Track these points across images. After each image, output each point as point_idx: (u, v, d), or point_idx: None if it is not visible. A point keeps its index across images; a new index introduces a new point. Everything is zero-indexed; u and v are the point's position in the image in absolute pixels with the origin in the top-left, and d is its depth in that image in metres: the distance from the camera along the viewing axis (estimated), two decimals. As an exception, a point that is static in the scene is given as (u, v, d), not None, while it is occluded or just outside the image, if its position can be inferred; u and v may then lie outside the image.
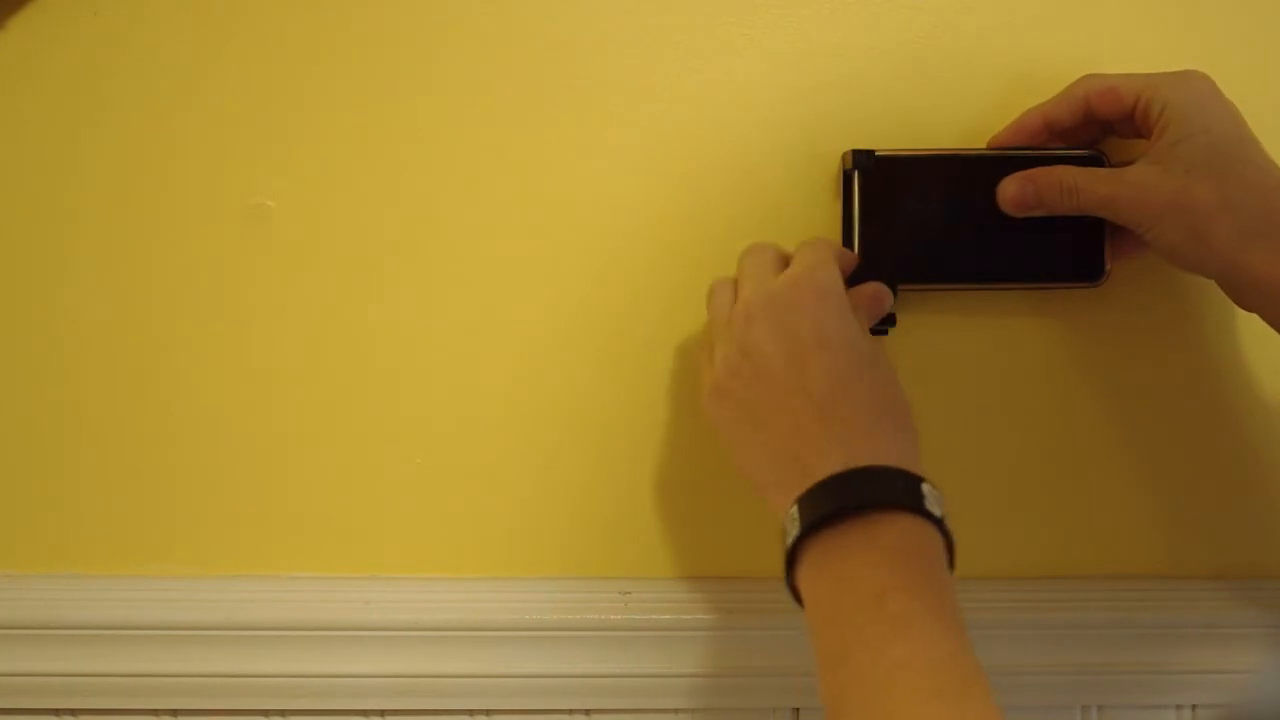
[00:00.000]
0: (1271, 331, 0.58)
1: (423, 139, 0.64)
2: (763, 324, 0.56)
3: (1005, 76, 0.64)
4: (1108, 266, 0.63)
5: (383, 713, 0.66)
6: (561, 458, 0.66)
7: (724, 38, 0.64)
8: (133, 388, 0.65)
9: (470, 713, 0.66)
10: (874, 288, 0.61)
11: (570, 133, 0.64)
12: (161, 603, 0.64)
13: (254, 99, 0.64)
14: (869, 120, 0.65)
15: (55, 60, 0.63)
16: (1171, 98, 0.58)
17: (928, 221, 0.63)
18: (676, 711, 0.66)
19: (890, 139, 0.64)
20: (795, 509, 0.51)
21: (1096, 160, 0.61)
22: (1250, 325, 0.66)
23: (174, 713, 0.65)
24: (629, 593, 0.65)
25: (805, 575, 0.51)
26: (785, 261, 0.59)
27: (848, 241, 0.63)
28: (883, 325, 0.62)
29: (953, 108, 0.65)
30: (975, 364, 0.66)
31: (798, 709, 0.66)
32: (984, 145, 0.63)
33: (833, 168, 0.64)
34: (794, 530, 0.51)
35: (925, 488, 0.51)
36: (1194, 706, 0.67)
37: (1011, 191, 0.61)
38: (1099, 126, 0.62)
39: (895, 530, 0.50)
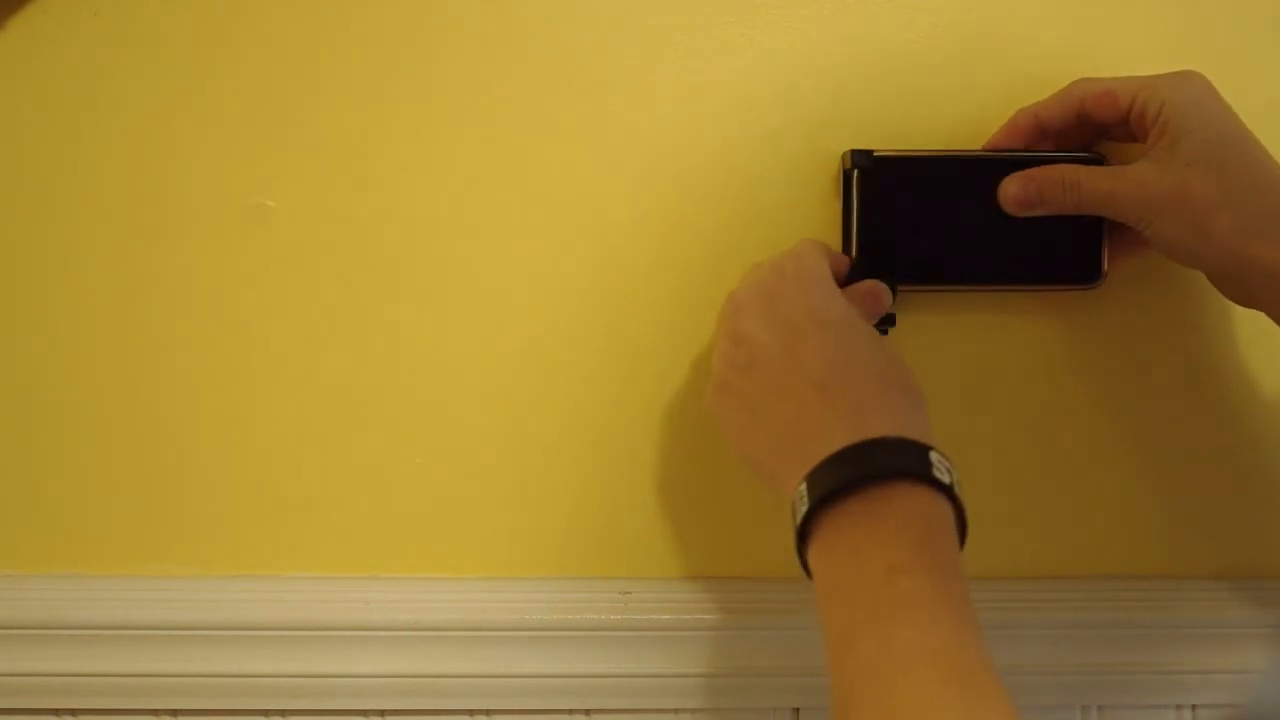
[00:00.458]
0: (1270, 331, 0.58)
1: (422, 139, 0.64)
2: (752, 312, 0.56)
3: (1005, 76, 0.64)
4: (1105, 268, 0.63)
5: (383, 713, 0.66)
6: (561, 458, 0.66)
7: (724, 38, 0.64)
8: (132, 388, 0.65)
9: (470, 713, 0.66)
10: (871, 284, 0.61)
11: (570, 133, 0.64)
12: (162, 603, 0.64)
13: (254, 99, 0.64)
14: (869, 120, 0.65)
15: (55, 60, 0.63)
16: (1169, 97, 0.58)
17: (927, 222, 0.63)
18: (676, 711, 0.66)
19: (890, 139, 0.64)
20: (803, 486, 0.51)
21: (1097, 162, 0.61)
22: (1249, 325, 0.66)
23: (174, 713, 0.65)
24: (629, 593, 0.65)
25: (815, 553, 0.50)
26: None
27: (847, 241, 0.63)
28: (883, 325, 0.62)
29: (953, 108, 0.65)
30: (974, 364, 0.66)
31: (798, 709, 0.66)
32: (982, 146, 0.64)
33: (833, 168, 0.64)
34: (803, 508, 0.50)
35: (933, 456, 0.50)
36: (1194, 706, 0.67)
37: (1013, 190, 0.61)
38: (1092, 129, 0.62)
39: (903, 502, 0.49)
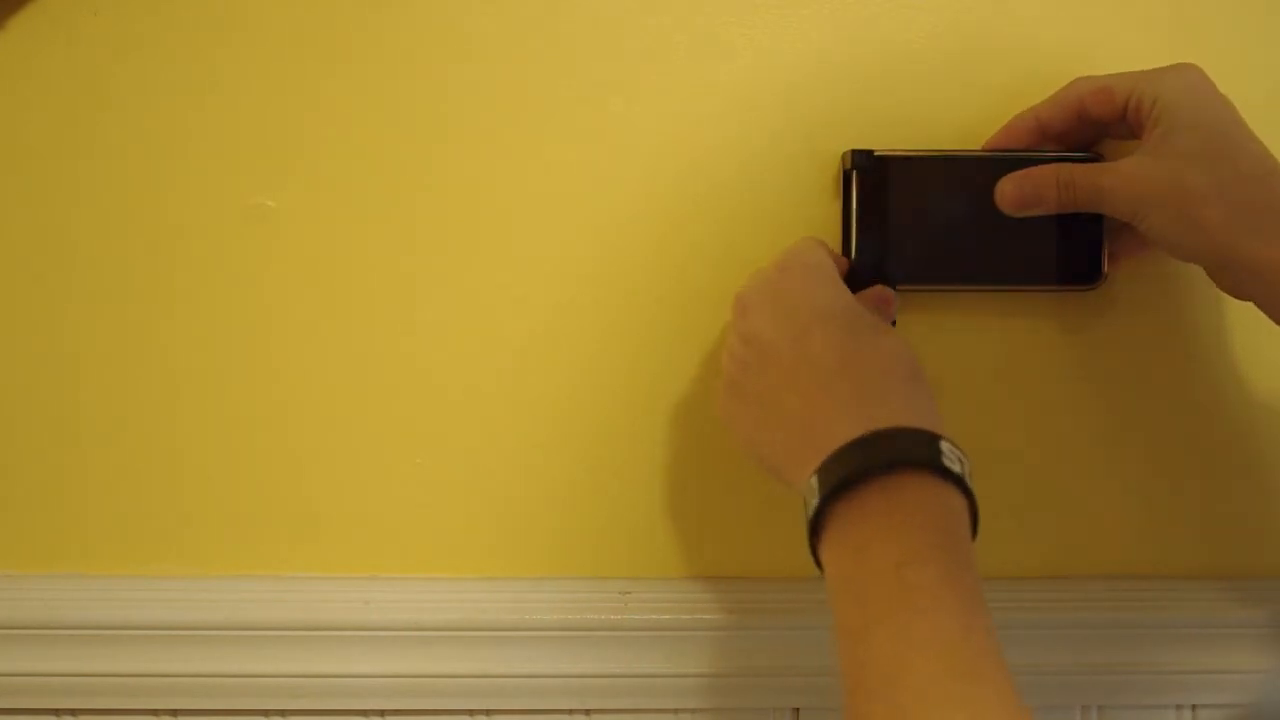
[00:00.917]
0: (1269, 331, 0.58)
1: (422, 139, 0.64)
2: (759, 311, 0.56)
3: (1005, 76, 0.64)
4: (1105, 268, 0.63)
5: (383, 713, 0.66)
6: (561, 458, 0.66)
7: (724, 38, 0.64)
8: (133, 388, 0.65)
9: (470, 713, 0.66)
10: (879, 290, 0.61)
11: (570, 133, 0.64)
12: (162, 603, 0.64)
13: (254, 99, 0.64)
14: (869, 120, 0.65)
15: (55, 60, 0.63)
16: (1163, 90, 0.57)
17: (927, 222, 0.63)
18: (676, 711, 0.66)
19: (890, 139, 0.64)
20: (814, 479, 0.50)
21: (1095, 161, 0.61)
22: (1248, 325, 0.66)
23: (174, 713, 0.65)
24: (629, 593, 0.65)
25: (826, 546, 0.50)
26: None
27: (847, 241, 0.63)
28: (882, 325, 0.62)
29: (953, 108, 0.65)
30: (974, 365, 0.66)
31: (798, 709, 0.66)
32: (982, 147, 0.64)
33: (833, 168, 0.64)
34: (814, 500, 0.50)
35: (944, 445, 0.50)
36: (1194, 706, 0.67)
37: (1009, 191, 0.61)
38: (1093, 128, 0.62)
39: (914, 493, 0.49)
